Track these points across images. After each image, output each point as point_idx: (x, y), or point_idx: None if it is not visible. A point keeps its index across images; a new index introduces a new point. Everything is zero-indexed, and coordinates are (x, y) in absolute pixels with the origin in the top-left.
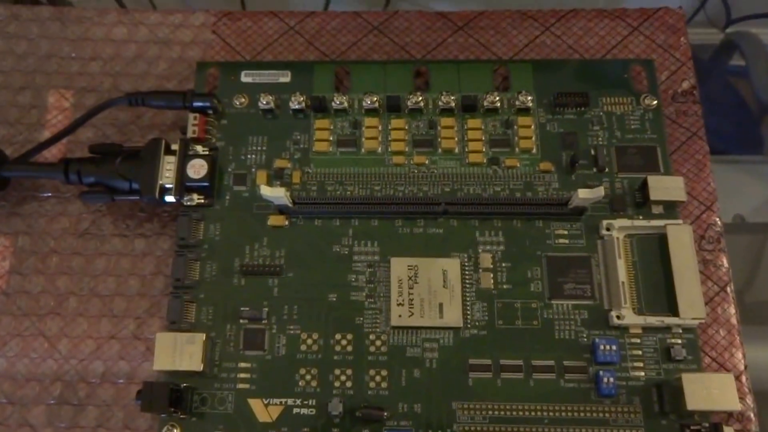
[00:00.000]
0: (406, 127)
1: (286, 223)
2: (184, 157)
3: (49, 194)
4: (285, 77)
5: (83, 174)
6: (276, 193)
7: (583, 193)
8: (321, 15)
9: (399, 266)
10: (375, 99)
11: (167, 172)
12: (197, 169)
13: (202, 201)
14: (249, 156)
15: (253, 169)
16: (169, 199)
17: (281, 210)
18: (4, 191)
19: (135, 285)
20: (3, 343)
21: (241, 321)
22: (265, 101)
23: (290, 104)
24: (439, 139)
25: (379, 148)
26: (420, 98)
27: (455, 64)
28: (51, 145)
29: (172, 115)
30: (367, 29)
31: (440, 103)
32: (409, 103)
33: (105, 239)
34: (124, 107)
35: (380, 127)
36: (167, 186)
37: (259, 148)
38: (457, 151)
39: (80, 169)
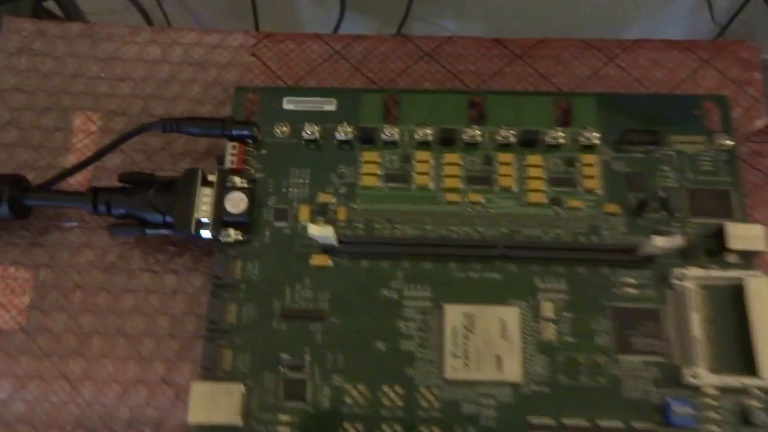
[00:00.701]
0: (461, 163)
1: (331, 263)
2: (222, 190)
3: (74, 224)
4: (330, 105)
5: (113, 205)
6: (324, 233)
7: (658, 241)
8: (369, 39)
9: (453, 314)
10: (428, 132)
11: (204, 205)
12: (236, 202)
13: (240, 237)
14: (291, 189)
15: (295, 204)
16: (206, 234)
17: (325, 249)
18: (26, 220)
19: (165, 325)
20: (22, 385)
21: (281, 369)
22: (310, 131)
23: (336, 135)
24: (496, 176)
25: (432, 184)
26: (477, 132)
27: (513, 96)
28: (77, 172)
29: (206, 143)
30: (417, 55)
31: (499, 137)
32: (464, 137)
33: (133, 274)
34: (156, 132)
35: (433, 162)
36: (203, 220)
37: (301, 180)
38: (515, 189)
39: (110, 200)
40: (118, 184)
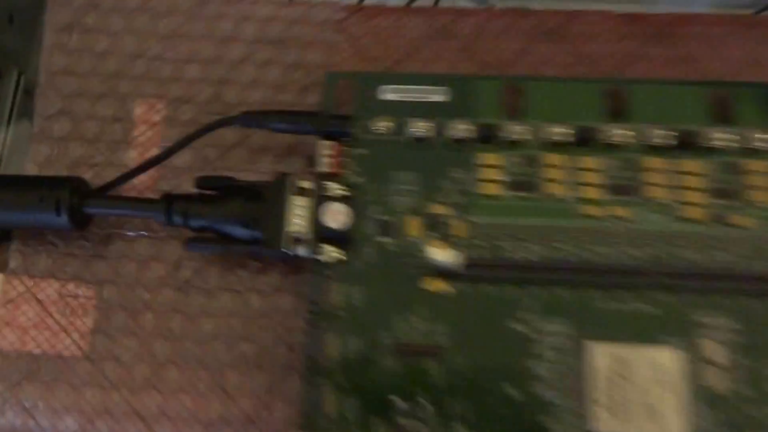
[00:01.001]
0: (601, 168)
1: (448, 288)
2: (319, 199)
3: (142, 233)
4: (439, 95)
5: (191, 216)
6: (450, 258)
7: None
8: (479, 13)
9: (597, 353)
10: (563, 130)
11: (297, 218)
12: (335, 215)
13: (340, 256)
14: (396, 198)
15: (402, 215)
16: (301, 252)
17: (442, 271)
18: (85, 230)
19: (251, 355)
20: (88, 421)
21: (392, 416)
22: (419, 127)
23: (451, 132)
24: (644, 185)
25: (565, 194)
26: (622, 131)
27: (661, 86)
28: (143, 172)
29: (289, 138)
30: (538, 34)
31: (654, 138)
32: (605, 136)
33: (211, 294)
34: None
35: (566, 167)
36: (297, 236)
37: (408, 187)
38: (667, 201)
39: (187, 210)
40: (192, 190)
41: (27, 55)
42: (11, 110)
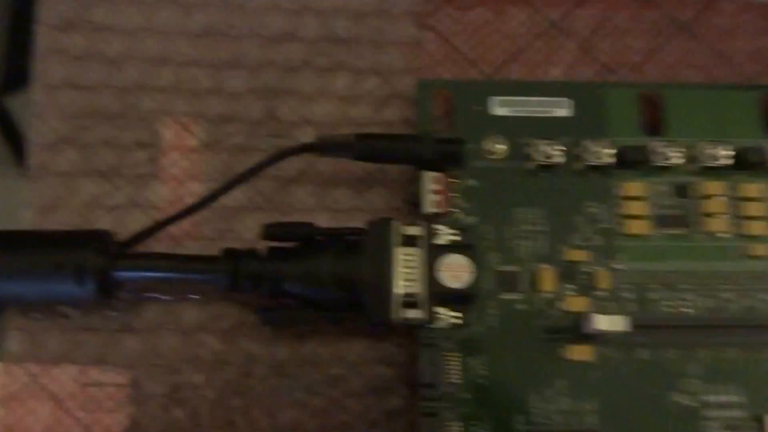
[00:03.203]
0: (764, 196)
1: (593, 356)
2: (431, 250)
3: (191, 296)
4: (563, 109)
5: (265, 278)
6: (617, 326)
7: None
8: (598, 5)
9: None
10: (723, 152)
11: (407, 276)
12: (456, 271)
13: (458, 320)
14: (518, 242)
15: (529, 265)
16: (413, 319)
17: (587, 335)
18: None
19: None
20: None
21: None
22: (544, 151)
23: (587, 157)
24: None
25: (727, 231)
26: None
27: None
28: (184, 219)
29: (362, 166)
30: (669, 29)
31: None
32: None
33: (284, 371)
34: None
35: (727, 196)
36: (410, 300)
37: (533, 227)
38: None
39: (261, 272)
40: (250, 237)
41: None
42: None
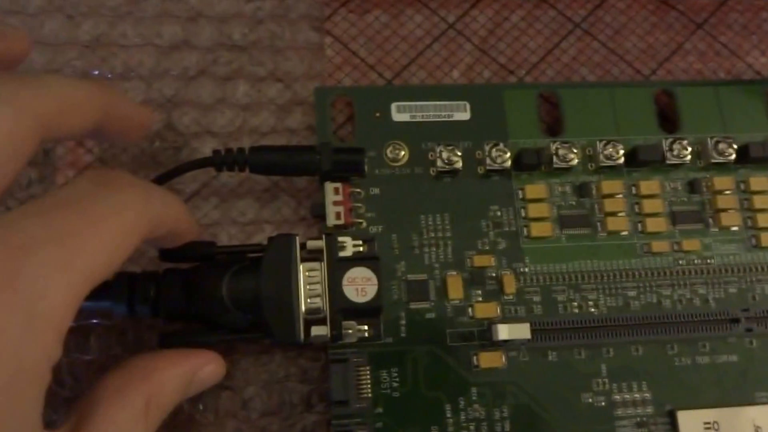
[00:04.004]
0: (661, 193)
1: (504, 361)
2: (335, 265)
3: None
4: (462, 113)
5: (163, 302)
6: (521, 334)
7: None
8: (495, 4)
9: (689, 423)
10: (617, 150)
11: (311, 292)
12: (362, 285)
13: (366, 334)
14: (425, 249)
15: (437, 272)
16: (321, 334)
17: (496, 342)
18: None
19: None
20: None
21: None
22: (446, 157)
23: (486, 162)
24: (714, 211)
25: (626, 229)
26: (681, 146)
27: (711, 87)
28: None
29: (264, 178)
30: (566, 28)
31: (714, 154)
32: (660, 154)
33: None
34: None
35: (623, 193)
36: (313, 317)
37: (438, 234)
38: (738, 228)
39: (156, 293)
40: (161, 267)
41: None
42: None
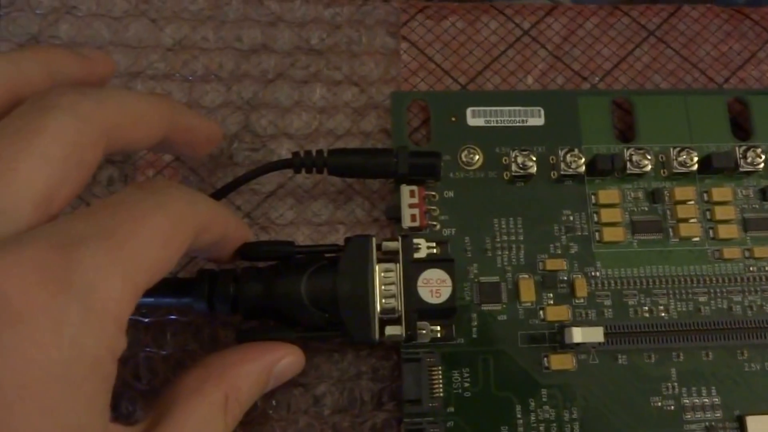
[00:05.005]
0: (734, 200)
1: (574, 364)
2: (410, 266)
3: (171, 317)
4: (536, 118)
5: (242, 300)
6: (595, 337)
7: None
8: (569, 11)
9: (758, 428)
10: (692, 156)
11: (386, 293)
12: (436, 286)
13: (439, 334)
14: (497, 252)
15: (509, 275)
16: (395, 334)
17: (564, 344)
18: None
19: None
20: None
21: None
22: (521, 161)
23: (560, 167)
24: None
25: (698, 235)
26: (756, 153)
27: None
28: None
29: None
30: (639, 35)
31: None
32: (733, 162)
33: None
34: None
35: (695, 199)
36: (389, 317)
37: (510, 238)
38: None
39: (238, 292)
40: (239, 264)
41: None
42: None
